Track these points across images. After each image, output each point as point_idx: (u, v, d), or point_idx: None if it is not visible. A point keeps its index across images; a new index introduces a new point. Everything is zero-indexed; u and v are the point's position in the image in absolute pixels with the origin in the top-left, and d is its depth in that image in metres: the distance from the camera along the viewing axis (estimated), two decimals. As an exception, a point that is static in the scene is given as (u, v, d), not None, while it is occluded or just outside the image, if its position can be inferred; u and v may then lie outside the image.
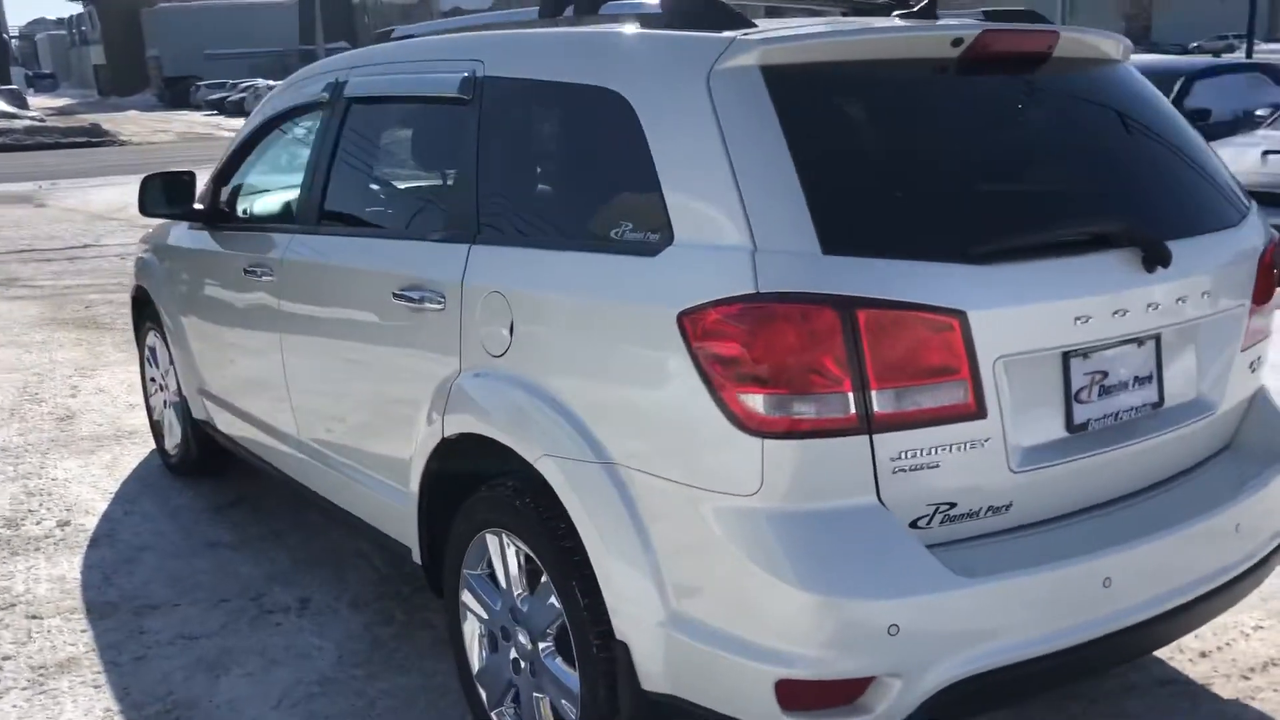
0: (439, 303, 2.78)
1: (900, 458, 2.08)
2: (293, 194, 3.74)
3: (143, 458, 5.22)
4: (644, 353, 2.24)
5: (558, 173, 2.65)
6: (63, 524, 4.48)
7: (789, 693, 2.08)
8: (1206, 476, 2.58)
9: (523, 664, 2.68)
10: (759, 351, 2.04)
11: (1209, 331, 2.53)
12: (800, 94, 2.21)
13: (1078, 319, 2.24)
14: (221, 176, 4.19)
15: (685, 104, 2.27)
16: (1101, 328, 2.28)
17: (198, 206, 4.21)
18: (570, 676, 2.52)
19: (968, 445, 2.13)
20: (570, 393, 2.40)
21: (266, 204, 4.07)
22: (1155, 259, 2.31)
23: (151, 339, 4.97)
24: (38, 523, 4.49)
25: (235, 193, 4.15)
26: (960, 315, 2.08)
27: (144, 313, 5.01)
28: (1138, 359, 2.39)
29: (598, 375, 2.36)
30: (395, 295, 2.93)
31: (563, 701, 2.55)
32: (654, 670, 2.27)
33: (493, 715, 2.82)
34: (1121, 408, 2.38)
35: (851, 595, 2.05)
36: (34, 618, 3.71)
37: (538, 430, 2.45)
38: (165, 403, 4.95)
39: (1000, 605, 2.14)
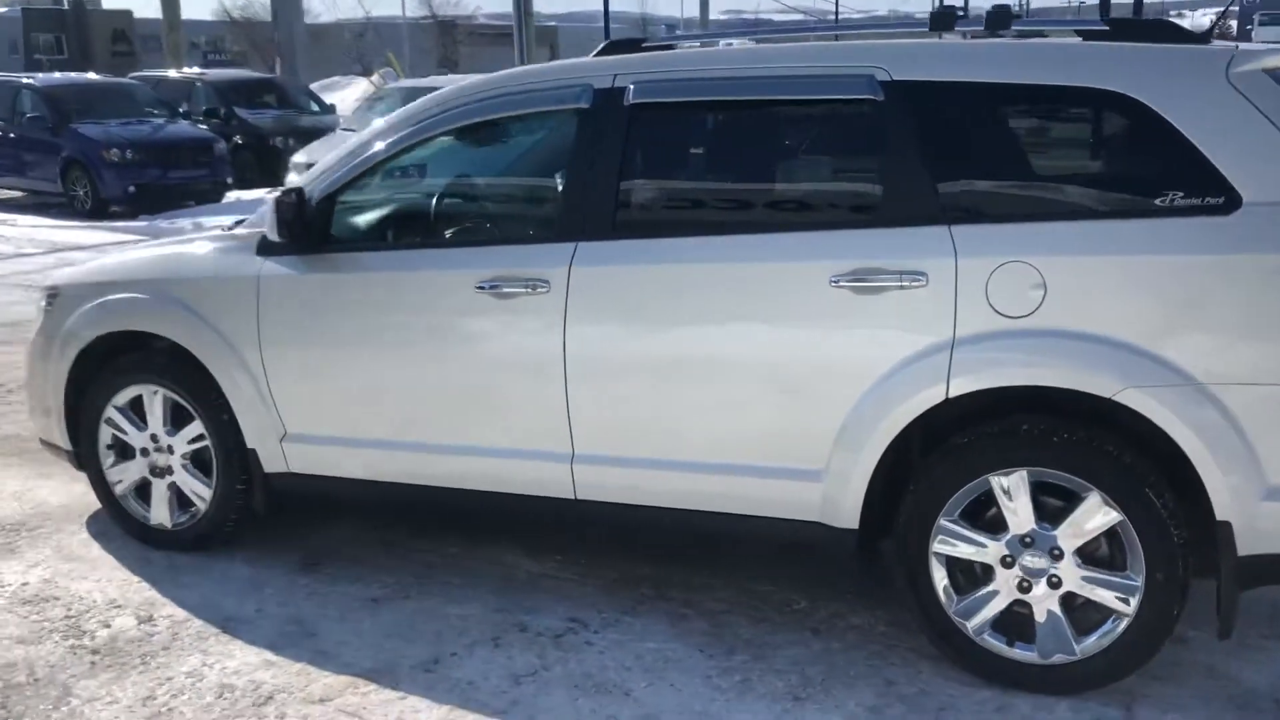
0: (918, 280, 3.09)
1: None
2: (525, 205, 3.61)
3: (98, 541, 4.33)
4: (1246, 287, 2.86)
5: (1054, 158, 3.13)
6: (144, 620, 3.70)
7: None
8: None
9: (1032, 582, 3.12)
10: None
11: None
12: None
13: None
14: (341, 193, 3.79)
15: (1214, 99, 2.94)
16: None
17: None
18: (1116, 577, 3.04)
19: None
20: (1139, 333, 2.93)
21: (475, 216, 3.79)
22: None
23: (125, 397, 4.18)
24: (150, 638, 3.66)
25: (389, 211, 3.79)
26: None
27: (114, 367, 4.20)
28: None
29: (1174, 313, 2.91)
30: (834, 282, 3.16)
31: (1110, 596, 3.05)
32: (1255, 536, 2.92)
33: (976, 639, 3.20)
34: None
35: None
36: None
37: (1113, 369, 2.94)
38: (156, 469, 4.19)
39: None
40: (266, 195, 3.95)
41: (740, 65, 3.45)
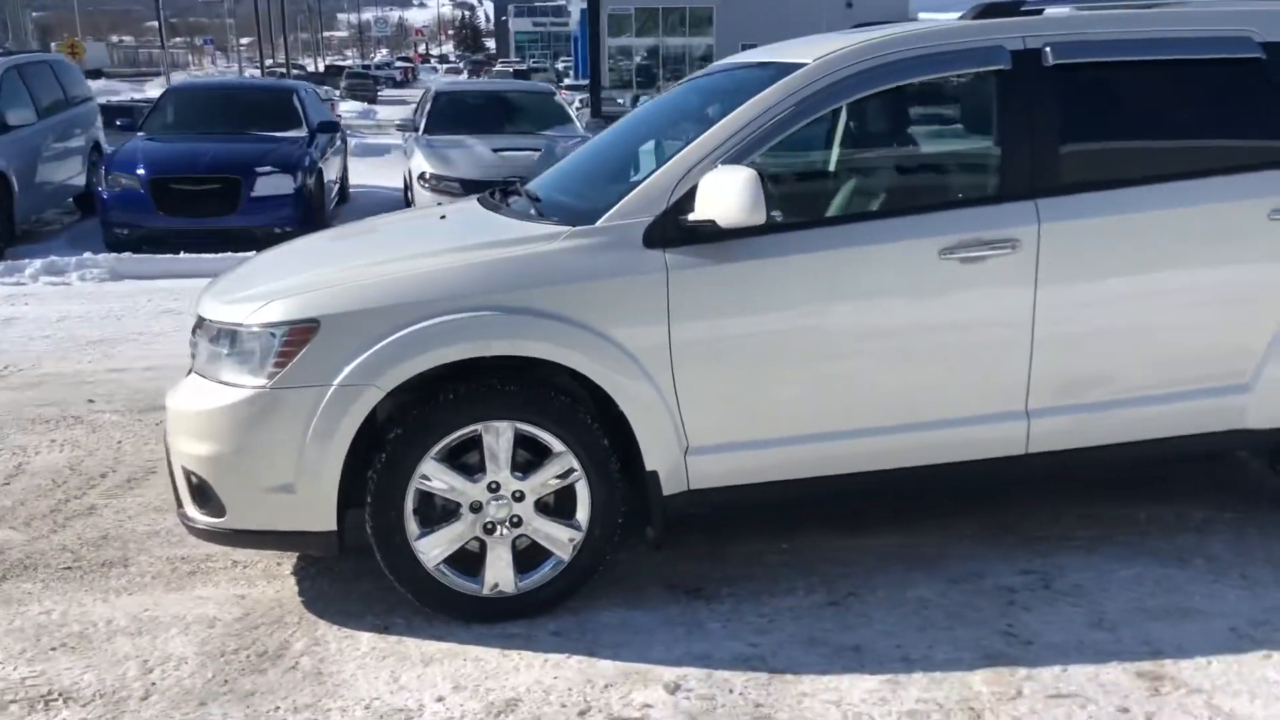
0: None
1: None
2: (959, 167, 3.58)
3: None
4: None
5: None
6: (674, 689, 3.08)
7: None
8: None
9: None
10: None
11: None
12: None
13: None
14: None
15: None
16: None
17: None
18: None
19: None
20: None
21: (912, 182, 3.54)
22: None
23: (447, 444, 3.34)
24: None
25: (802, 185, 3.48)
26: None
27: (435, 407, 3.33)
28: None
29: None
30: (1273, 216, 3.66)
31: None
32: None
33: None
34: None
35: None
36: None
37: None
38: (489, 525, 3.40)
39: None
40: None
41: (1140, 28, 3.76)
